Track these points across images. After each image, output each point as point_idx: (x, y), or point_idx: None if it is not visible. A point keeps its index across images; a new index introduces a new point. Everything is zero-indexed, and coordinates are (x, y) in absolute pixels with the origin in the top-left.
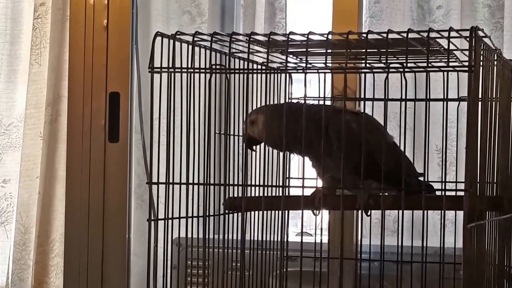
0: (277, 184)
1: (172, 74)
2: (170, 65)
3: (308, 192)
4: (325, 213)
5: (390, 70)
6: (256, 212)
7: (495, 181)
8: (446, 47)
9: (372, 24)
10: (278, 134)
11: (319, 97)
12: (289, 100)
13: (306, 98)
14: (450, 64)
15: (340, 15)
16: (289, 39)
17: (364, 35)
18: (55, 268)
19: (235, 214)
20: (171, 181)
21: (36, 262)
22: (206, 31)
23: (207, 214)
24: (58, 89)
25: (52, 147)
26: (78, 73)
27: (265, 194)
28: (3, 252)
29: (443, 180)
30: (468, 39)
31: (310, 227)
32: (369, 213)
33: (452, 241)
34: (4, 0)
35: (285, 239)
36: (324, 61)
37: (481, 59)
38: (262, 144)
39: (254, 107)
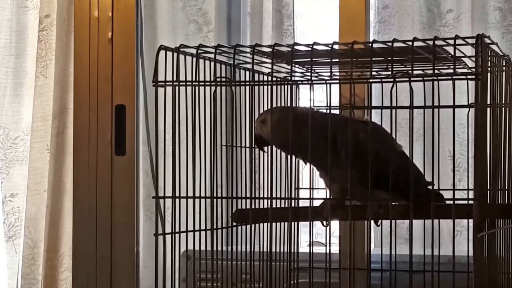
0: (285, 196)
1: (177, 87)
2: (175, 79)
3: (317, 203)
4: (336, 223)
5: (397, 79)
6: (266, 224)
7: (506, 188)
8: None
9: (381, 30)
10: (285, 136)
11: (326, 106)
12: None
13: (313, 108)
14: (459, 70)
15: (346, 22)
16: (294, 50)
17: (370, 44)
18: (64, 282)
19: (244, 226)
20: (177, 195)
21: (45, 276)
22: (213, 40)
23: (215, 227)
24: (64, 102)
25: (59, 160)
26: (83, 86)
27: (274, 205)
28: (12, 267)
29: (453, 188)
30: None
31: (322, 236)
32: (379, 223)
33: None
34: (8, 12)
35: (295, 250)
36: (330, 70)
37: (489, 65)
38: (269, 154)
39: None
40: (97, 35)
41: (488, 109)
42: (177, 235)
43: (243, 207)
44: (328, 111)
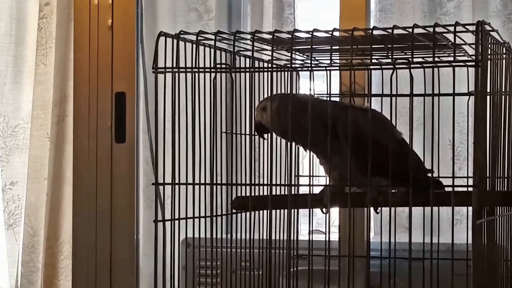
0: (285, 183)
1: (177, 74)
2: (175, 65)
3: (317, 190)
4: (335, 211)
5: (397, 66)
6: (266, 211)
7: (505, 175)
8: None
9: (382, 18)
10: (285, 123)
11: (327, 94)
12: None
13: (314, 95)
14: (459, 58)
15: (347, 10)
16: (294, 37)
17: (370, 31)
18: (64, 270)
19: (244, 213)
20: (177, 181)
21: (45, 264)
22: (214, 28)
23: (214, 214)
24: (64, 90)
25: (59, 148)
26: (83, 73)
27: (274, 192)
28: (12, 255)
29: (453, 175)
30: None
31: (322, 225)
32: (378, 211)
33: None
34: (9, 0)
35: (295, 238)
36: (330, 57)
37: (489, 53)
38: (269, 141)
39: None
40: (97, 23)
41: (488, 96)
42: (176, 222)
43: (243, 194)
44: (328, 98)
